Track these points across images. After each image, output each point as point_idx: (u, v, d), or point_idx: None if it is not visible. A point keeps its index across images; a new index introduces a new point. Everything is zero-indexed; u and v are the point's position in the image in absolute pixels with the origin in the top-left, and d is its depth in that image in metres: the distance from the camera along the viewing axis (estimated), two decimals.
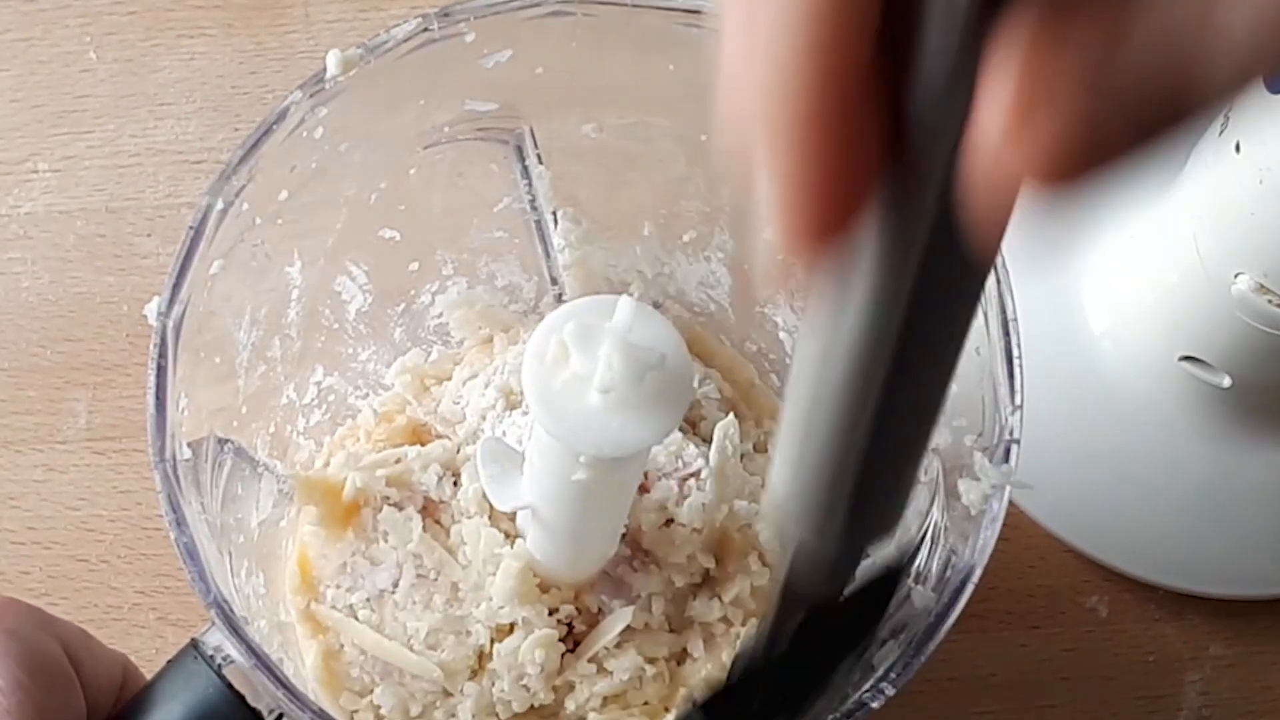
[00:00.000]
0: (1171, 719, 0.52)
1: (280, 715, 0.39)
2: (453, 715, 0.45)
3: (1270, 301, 0.46)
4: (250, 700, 0.38)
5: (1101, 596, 0.53)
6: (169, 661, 0.39)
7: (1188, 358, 0.51)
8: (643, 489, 0.46)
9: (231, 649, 0.37)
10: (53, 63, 0.60)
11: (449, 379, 0.50)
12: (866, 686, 0.39)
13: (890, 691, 0.38)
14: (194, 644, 0.39)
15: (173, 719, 0.38)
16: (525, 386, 0.37)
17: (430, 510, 0.47)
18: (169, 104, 0.59)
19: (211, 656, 0.38)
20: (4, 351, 0.55)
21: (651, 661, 0.45)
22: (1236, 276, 0.47)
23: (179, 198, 0.57)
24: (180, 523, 0.37)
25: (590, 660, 0.44)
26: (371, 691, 0.45)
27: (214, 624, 0.37)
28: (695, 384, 0.49)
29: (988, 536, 0.39)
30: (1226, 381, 0.51)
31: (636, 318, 0.36)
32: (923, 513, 0.43)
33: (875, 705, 0.38)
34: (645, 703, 0.45)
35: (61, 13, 0.60)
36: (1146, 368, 0.54)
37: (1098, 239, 0.58)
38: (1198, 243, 0.48)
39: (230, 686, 0.38)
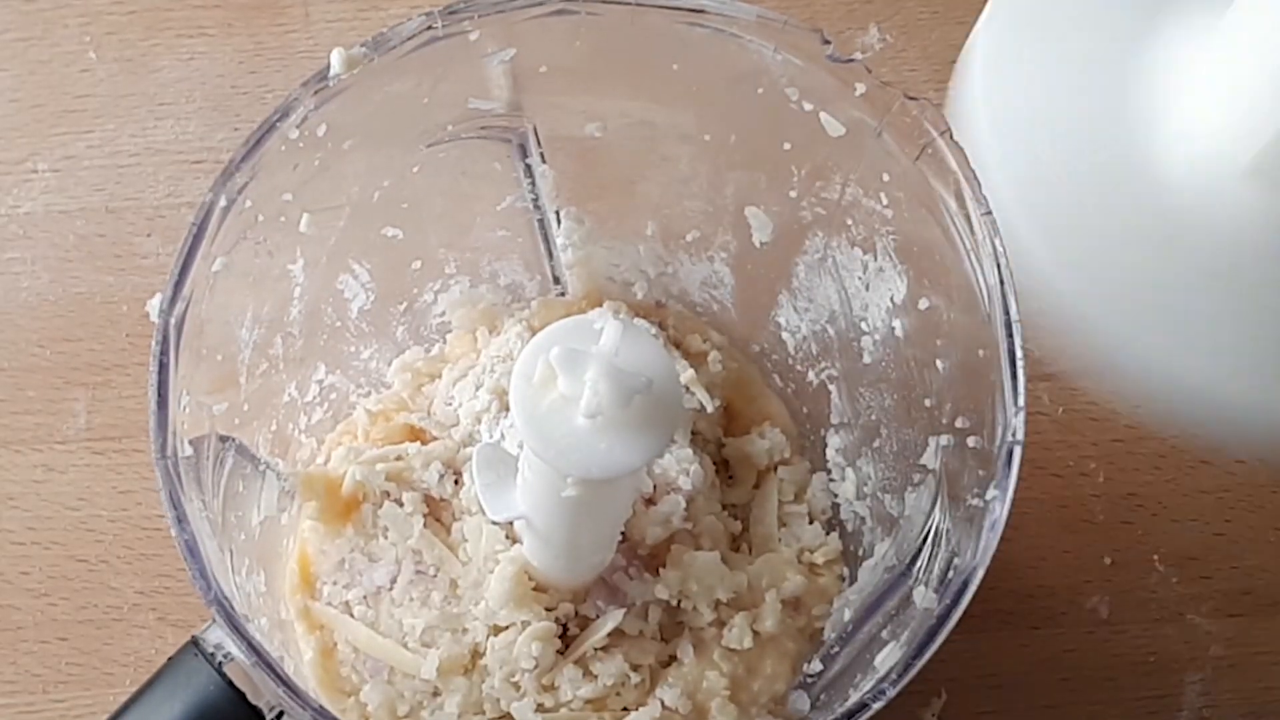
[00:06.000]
0: (1172, 719, 0.52)
1: (280, 713, 0.39)
2: (439, 711, 0.45)
3: None
4: (250, 698, 0.38)
5: (1102, 597, 0.53)
6: (169, 659, 0.40)
7: None
8: (649, 501, 0.46)
9: (232, 646, 0.37)
10: (52, 62, 0.60)
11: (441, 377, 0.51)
12: (868, 688, 0.39)
13: (891, 692, 0.38)
14: (194, 641, 0.39)
15: (173, 716, 0.38)
16: (512, 407, 0.37)
17: (431, 508, 0.47)
18: (169, 104, 0.59)
19: (212, 654, 0.39)
20: (3, 351, 0.55)
21: (636, 668, 0.45)
22: None
23: (179, 197, 0.57)
24: (181, 520, 0.37)
25: (576, 663, 0.44)
26: (360, 690, 0.45)
27: (214, 621, 0.37)
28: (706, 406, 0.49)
29: (989, 540, 0.39)
30: None
31: (624, 340, 0.36)
32: (925, 514, 0.43)
33: (876, 706, 0.38)
34: (624, 708, 0.45)
35: (61, 12, 0.60)
36: (1229, 185, 0.44)
37: (1189, 8, 0.48)
38: None
39: (231, 684, 0.38)
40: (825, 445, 0.50)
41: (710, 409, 0.49)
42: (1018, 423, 0.39)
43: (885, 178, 0.42)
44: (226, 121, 0.59)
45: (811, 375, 0.50)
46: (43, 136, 0.58)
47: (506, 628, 0.44)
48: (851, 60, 0.41)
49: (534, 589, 0.44)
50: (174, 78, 0.59)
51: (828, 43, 0.41)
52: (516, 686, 0.44)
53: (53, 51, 0.60)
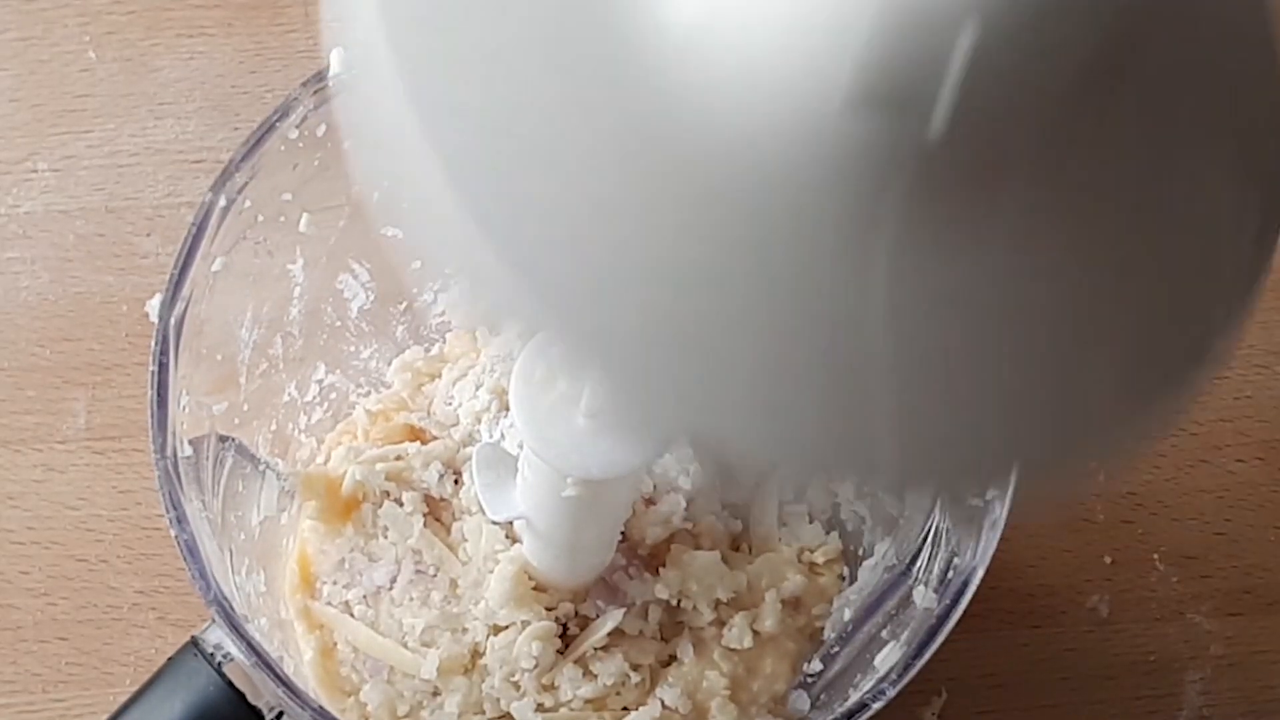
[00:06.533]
0: (1172, 719, 0.52)
1: (280, 713, 0.39)
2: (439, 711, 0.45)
3: None
4: (250, 698, 0.38)
5: (1102, 596, 0.53)
6: (169, 659, 0.40)
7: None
8: (649, 501, 0.46)
9: (231, 646, 0.37)
10: (52, 62, 0.60)
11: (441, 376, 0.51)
12: (868, 688, 0.39)
13: (891, 692, 0.38)
14: (194, 642, 0.39)
15: (173, 716, 0.38)
16: (512, 407, 0.37)
17: (431, 508, 0.47)
18: (168, 103, 0.59)
19: (212, 654, 0.39)
20: (3, 351, 0.55)
21: (636, 668, 0.45)
22: None
23: (179, 197, 0.57)
24: (181, 520, 0.37)
25: (576, 662, 0.44)
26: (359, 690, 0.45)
27: (214, 621, 0.38)
28: None
29: (989, 539, 0.39)
30: (939, 127, 0.23)
31: None
32: (925, 514, 0.43)
33: (876, 706, 0.38)
34: (623, 708, 0.45)
35: (61, 12, 0.60)
36: (781, 104, 0.23)
37: None
38: None
39: (230, 684, 0.38)
40: None
41: None
42: None
43: None
44: (226, 121, 0.59)
45: None
46: (42, 136, 0.58)
47: (507, 627, 0.44)
48: None
49: (534, 589, 0.44)
50: (174, 77, 0.59)
51: None
52: (516, 686, 0.44)
53: (52, 51, 0.60)
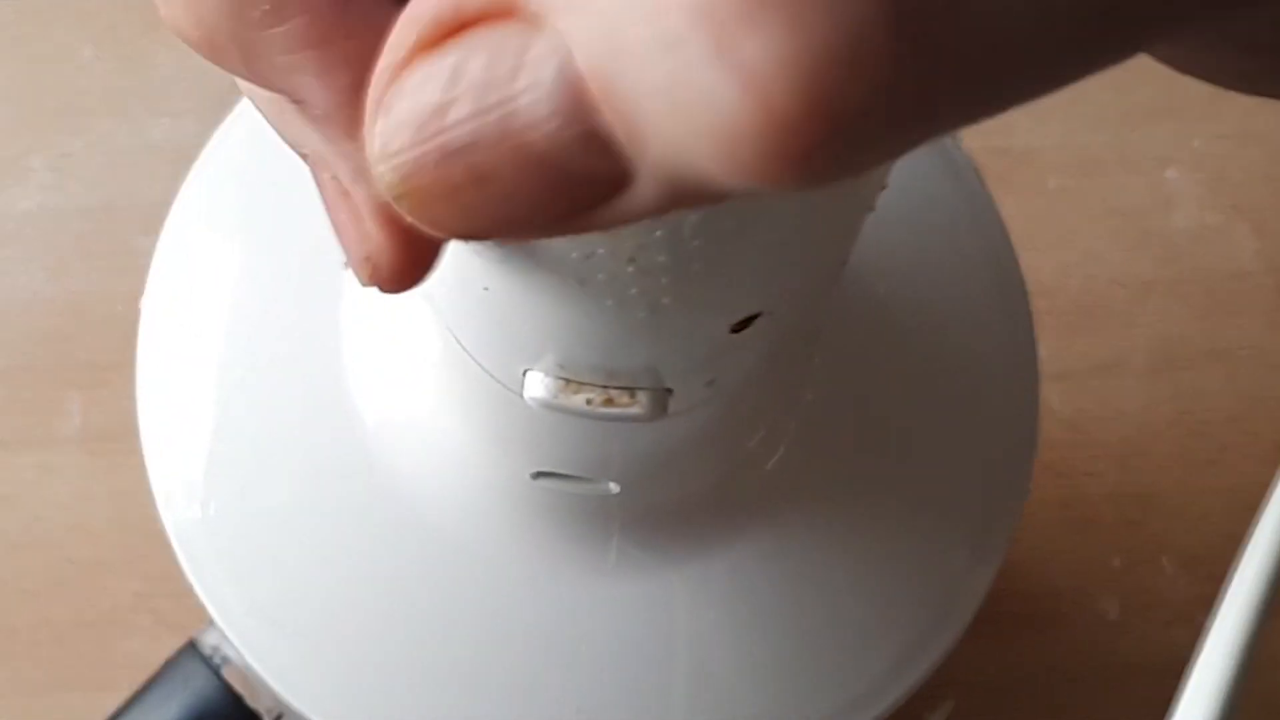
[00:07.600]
0: None
1: (279, 715, 0.38)
2: None
3: (590, 401, 0.25)
4: (248, 700, 0.38)
5: (1111, 599, 0.53)
6: (167, 661, 0.39)
7: (542, 473, 0.31)
8: None
9: (230, 649, 0.37)
10: (49, 59, 0.59)
11: None
12: None
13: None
14: (192, 644, 0.39)
15: (170, 718, 0.37)
16: None
17: None
18: (166, 101, 0.59)
19: (210, 656, 0.38)
20: None
21: None
22: (525, 375, 0.26)
23: (176, 196, 0.57)
24: None
25: None
26: None
27: (212, 624, 0.37)
28: None
29: None
30: (614, 488, 0.31)
31: None
32: None
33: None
34: None
35: (58, 9, 0.60)
36: (476, 486, 0.33)
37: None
38: (457, 336, 0.27)
39: (228, 686, 0.38)
40: None
41: None
42: None
43: None
44: (224, 119, 0.58)
45: None
46: (39, 134, 0.58)
47: None
48: None
49: None
50: (171, 75, 0.59)
51: None
52: None
53: (49, 48, 0.59)
